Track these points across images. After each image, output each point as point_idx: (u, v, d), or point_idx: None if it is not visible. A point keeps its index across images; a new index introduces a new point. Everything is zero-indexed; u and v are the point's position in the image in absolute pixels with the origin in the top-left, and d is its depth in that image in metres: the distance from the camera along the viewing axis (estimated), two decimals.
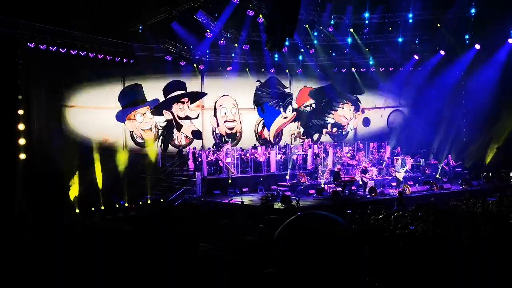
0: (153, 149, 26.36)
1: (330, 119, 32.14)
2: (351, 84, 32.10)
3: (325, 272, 1.59)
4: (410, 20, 27.78)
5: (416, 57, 29.51)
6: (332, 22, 28.32)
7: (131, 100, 26.05)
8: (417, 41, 29.42)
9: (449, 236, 9.47)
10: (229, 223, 14.76)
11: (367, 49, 30.28)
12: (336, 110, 32.42)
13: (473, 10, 25.83)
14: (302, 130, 31.86)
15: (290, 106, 31.52)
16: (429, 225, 11.98)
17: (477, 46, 26.67)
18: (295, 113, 31.65)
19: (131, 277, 1.67)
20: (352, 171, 24.73)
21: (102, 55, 23.64)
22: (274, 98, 30.83)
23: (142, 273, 1.73)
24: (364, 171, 23.54)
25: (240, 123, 29.88)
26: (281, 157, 26.63)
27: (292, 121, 31.62)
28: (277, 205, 19.93)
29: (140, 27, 24.79)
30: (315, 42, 29.49)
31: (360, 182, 23.20)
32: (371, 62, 30.71)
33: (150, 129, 26.74)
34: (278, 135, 31.09)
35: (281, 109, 31.25)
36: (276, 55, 29.05)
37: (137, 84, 26.18)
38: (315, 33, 29.20)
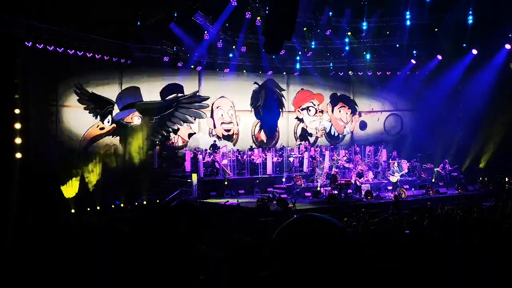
0: (149, 150, 26.33)
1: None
2: None
3: (323, 273, 1.60)
4: (408, 23, 27.80)
5: (413, 61, 29.56)
6: (330, 25, 28.33)
7: (128, 103, 26.01)
8: (414, 45, 29.48)
9: (444, 240, 9.49)
10: (225, 224, 14.76)
11: (364, 53, 30.33)
12: (171, 131, 27.48)
13: (470, 15, 25.90)
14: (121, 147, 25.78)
15: (110, 116, 25.51)
16: (425, 229, 12.00)
17: (474, 51, 26.74)
18: (114, 125, 25.59)
19: (130, 275, 1.67)
20: (349, 174, 24.75)
21: (100, 55, 23.60)
22: (93, 103, 24.81)
23: (140, 271, 1.73)
24: (360, 175, 23.59)
25: (237, 125, 29.88)
26: (277, 160, 26.64)
27: (110, 134, 25.52)
28: (273, 207, 19.94)
29: (138, 28, 24.77)
30: (313, 45, 29.52)
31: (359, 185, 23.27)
32: (368, 66, 30.75)
33: None
34: (89, 144, 24.76)
35: (98, 118, 25.08)
36: (273, 58, 29.07)
37: (135, 86, 26.14)
38: (313, 36, 29.25)
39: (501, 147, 26.53)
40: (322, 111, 32.52)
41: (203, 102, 28.54)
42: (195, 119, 28.32)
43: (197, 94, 28.26)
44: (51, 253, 1.69)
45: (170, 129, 27.49)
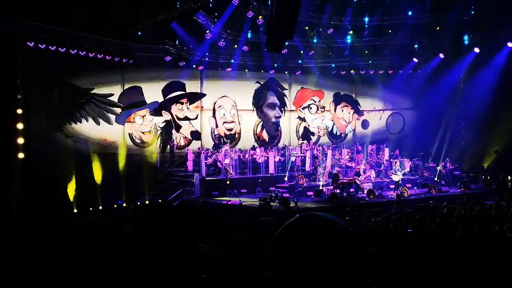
0: (151, 150, 26.38)
1: None
2: None
3: (325, 272, 1.60)
4: (410, 22, 27.80)
5: (415, 60, 29.54)
6: (331, 23, 28.30)
7: (130, 102, 26.02)
8: (416, 44, 29.46)
9: (446, 238, 9.48)
10: (227, 223, 14.77)
11: (366, 52, 30.30)
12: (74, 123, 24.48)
13: (472, 14, 25.87)
14: None
15: None
16: (427, 227, 12.00)
17: (476, 50, 26.71)
18: None
19: (131, 275, 1.67)
20: (351, 173, 24.76)
21: (102, 55, 23.61)
22: None
23: (142, 271, 1.73)
24: (357, 174, 23.66)
25: (239, 124, 29.89)
26: (279, 159, 26.63)
27: None
28: (275, 207, 19.95)
29: (140, 28, 24.78)
30: (315, 44, 29.51)
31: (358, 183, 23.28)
32: (370, 64, 30.73)
33: (150, 131, 26.73)
34: None
35: None
36: (275, 57, 29.04)
37: (136, 86, 26.17)
38: (315, 35, 29.23)
39: (503, 146, 26.51)
40: (323, 107, 32.50)
41: (115, 108, 25.71)
42: (99, 122, 25.25)
43: (111, 97, 25.68)
44: (51, 253, 1.69)
45: (76, 120, 24.52)
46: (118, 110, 25.59)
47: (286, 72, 31.07)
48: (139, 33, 24.95)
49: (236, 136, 29.84)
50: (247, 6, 25.11)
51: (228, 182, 24.14)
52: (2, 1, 19.64)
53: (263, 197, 20.87)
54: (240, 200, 21.06)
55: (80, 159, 22.80)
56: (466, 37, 26.88)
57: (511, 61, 25.94)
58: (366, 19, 28.39)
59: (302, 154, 27.11)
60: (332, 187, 22.65)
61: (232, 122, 29.66)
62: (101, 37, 23.48)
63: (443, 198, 21.59)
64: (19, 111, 20.46)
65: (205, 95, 28.61)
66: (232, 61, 28.52)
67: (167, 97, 27.21)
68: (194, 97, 28.31)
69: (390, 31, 29.14)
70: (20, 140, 20.25)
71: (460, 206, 17.00)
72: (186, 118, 28.05)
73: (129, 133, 26.14)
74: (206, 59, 27.80)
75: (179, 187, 23.74)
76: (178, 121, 27.72)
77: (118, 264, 1.76)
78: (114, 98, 25.42)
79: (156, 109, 26.80)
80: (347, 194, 22.31)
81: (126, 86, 25.90)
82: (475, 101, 27.10)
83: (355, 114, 33.03)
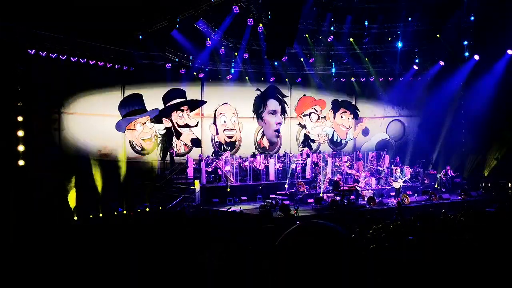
0: (152, 157, 26.39)
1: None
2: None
3: (327, 279, 1.60)
4: (410, 29, 27.87)
5: (415, 67, 29.59)
6: (332, 31, 28.34)
7: (131, 110, 26.04)
8: (416, 51, 29.50)
9: (446, 245, 9.46)
10: (229, 231, 14.72)
11: (366, 59, 30.34)
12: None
13: (472, 21, 25.91)
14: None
15: None
16: (427, 235, 11.97)
17: (476, 57, 26.74)
18: None
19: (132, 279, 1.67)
20: (351, 180, 24.74)
21: (103, 62, 23.66)
22: None
23: (141, 275, 1.74)
24: (356, 181, 23.65)
25: (240, 131, 29.91)
26: (280, 166, 26.62)
27: None
28: (276, 214, 19.92)
29: (141, 35, 24.83)
30: (315, 51, 29.55)
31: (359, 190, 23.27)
32: (370, 72, 30.77)
33: (150, 138, 26.75)
34: None
35: None
36: (275, 64, 29.10)
37: (137, 93, 26.20)
38: (315, 43, 29.28)
39: (504, 153, 26.50)
40: (324, 117, 32.55)
41: None
42: None
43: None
44: (51, 257, 1.69)
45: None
46: None
47: (287, 80, 31.12)
48: (140, 41, 24.98)
49: (237, 143, 29.85)
50: (248, 14, 25.16)
51: (228, 190, 24.11)
52: (3, 8, 19.67)
53: (264, 205, 20.85)
54: (240, 208, 21.02)
55: (81, 166, 22.80)
56: (466, 45, 26.89)
57: (511, 68, 25.96)
58: (366, 24, 28.39)
59: (302, 162, 27.10)
60: (332, 194, 22.62)
61: (233, 129, 29.68)
62: (102, 44, 23.54)
63: (443, 206, 21.56)
64: (20, 118, 20.47)
65: (205, 102, 28.66)
66: (233, 67, 28.58)
67: (168, 105, 27.25)
68: (195, 104, 28.35)
69: (390, 38, 29.19)
70: (21, 148, 20.25)
71: (460, 213, 16.94)
72: (186, 125, 28.07)
73: (129, 141, 26.16)
74: (207, 66, 27.85)
75: (180, 194, 23.70)
76: (178, 128, 27.74)
77: (119, 268, 1.77)
78: (115, 106, 25.47)
79: (157, 117, 26.84)
80: (348, 201, 22.27)
81: (127, 93, 25.94)
82: (475, 108, 27.11)
83: (354, 119, 33.06)
